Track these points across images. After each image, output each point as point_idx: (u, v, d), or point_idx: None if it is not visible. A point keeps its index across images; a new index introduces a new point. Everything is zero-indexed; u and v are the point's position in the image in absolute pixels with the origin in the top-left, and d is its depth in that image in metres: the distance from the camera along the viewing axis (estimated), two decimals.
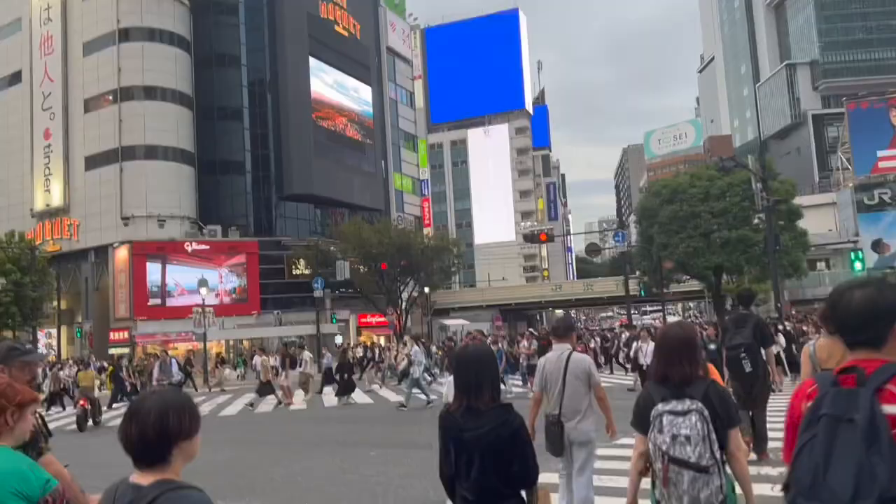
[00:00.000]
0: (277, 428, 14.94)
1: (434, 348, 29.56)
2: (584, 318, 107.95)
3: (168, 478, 1.88)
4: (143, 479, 1.89)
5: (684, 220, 36.11)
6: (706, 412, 3.00)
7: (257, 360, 15.78)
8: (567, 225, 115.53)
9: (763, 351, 7.78)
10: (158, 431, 1.87)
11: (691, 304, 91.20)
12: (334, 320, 44.81)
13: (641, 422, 3.16)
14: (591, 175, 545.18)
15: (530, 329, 23.00)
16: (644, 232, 37.87)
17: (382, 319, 48.95)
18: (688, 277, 40.97)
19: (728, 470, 3.10)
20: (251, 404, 18.68)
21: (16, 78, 50.63)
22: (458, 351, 3.40)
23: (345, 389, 18.30)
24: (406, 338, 31.17)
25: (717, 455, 3.00)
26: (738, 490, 3.20)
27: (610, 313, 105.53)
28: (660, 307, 42.63)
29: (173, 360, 20.87)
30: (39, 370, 21.31)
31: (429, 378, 19.71)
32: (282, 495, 8.33)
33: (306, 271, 46.14)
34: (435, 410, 14.67)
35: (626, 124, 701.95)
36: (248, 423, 16.00)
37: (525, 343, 20.46)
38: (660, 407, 3.05)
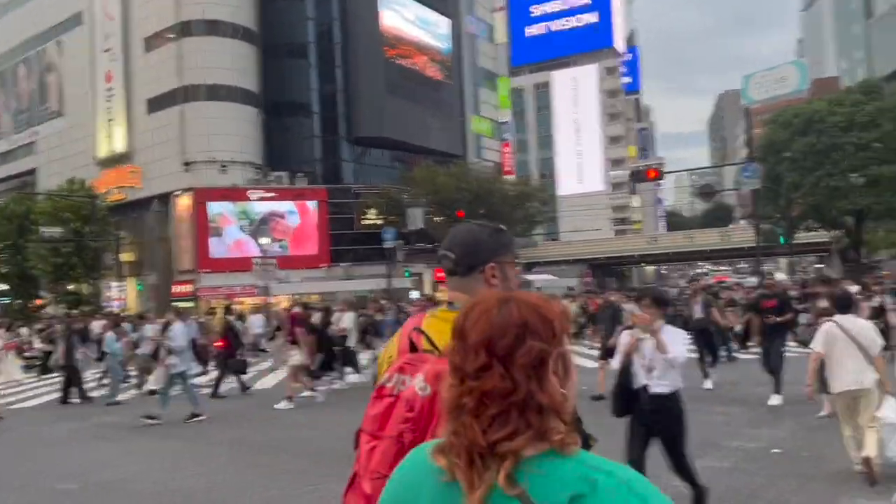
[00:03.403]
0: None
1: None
2: (676, 275, 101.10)
3: None
4: None
5: (822, 153, 30.04)
6: None
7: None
8: None
9: None
10: None
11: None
12: (408, 274, 41.11)
13: None
14: (681, 128, 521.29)
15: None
16: (770, 171, 31.86)
17: None
18: (818, 226, 34.84)
19: None
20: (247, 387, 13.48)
21: (76, 20, 48.42)
22: None
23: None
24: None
25: None
26: None
27: (703, 269, 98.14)
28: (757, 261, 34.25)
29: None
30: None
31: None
32: None
33: (378, 221, 42.48)
34: None
35: (716, 73, 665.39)
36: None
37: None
38: None
